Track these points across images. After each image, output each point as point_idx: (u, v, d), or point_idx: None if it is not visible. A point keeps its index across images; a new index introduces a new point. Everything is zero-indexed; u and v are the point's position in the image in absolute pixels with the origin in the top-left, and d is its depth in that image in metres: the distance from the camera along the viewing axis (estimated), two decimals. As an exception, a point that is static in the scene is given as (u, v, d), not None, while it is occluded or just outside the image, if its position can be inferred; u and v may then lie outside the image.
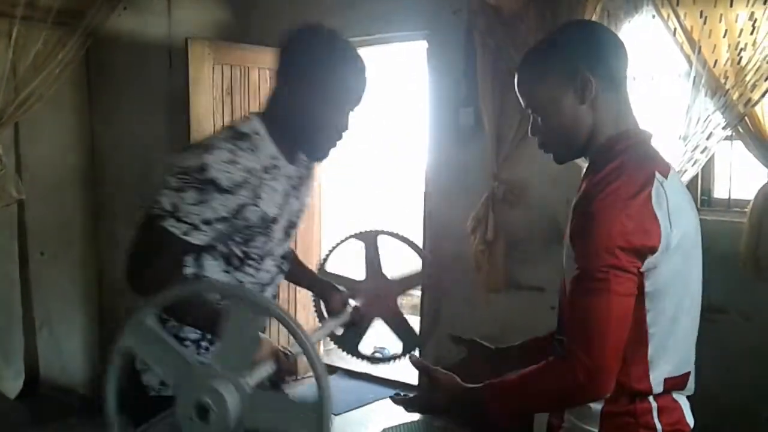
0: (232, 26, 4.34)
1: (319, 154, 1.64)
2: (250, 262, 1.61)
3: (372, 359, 2.17)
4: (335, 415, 3.94)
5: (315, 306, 2.08)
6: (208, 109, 3.89)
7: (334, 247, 2.17)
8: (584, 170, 1.40)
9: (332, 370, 4.57)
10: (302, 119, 1.55)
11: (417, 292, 4.52)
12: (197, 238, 1.46)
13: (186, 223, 1.43)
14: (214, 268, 1.58)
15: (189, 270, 1.57)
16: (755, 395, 2.92)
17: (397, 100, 5.84)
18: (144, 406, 1.56)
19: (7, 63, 3.35)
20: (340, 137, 1.61)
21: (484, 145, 3.58)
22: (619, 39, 1.38)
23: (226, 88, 4.03)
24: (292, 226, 1.72)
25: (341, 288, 1.98)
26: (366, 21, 4.02)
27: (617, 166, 1.26)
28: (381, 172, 6.01)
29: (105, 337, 4.08)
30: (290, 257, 1.84)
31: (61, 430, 3.62)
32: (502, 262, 3.59)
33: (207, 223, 1.45)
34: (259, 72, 4.14)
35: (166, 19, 4.17)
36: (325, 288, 1.98)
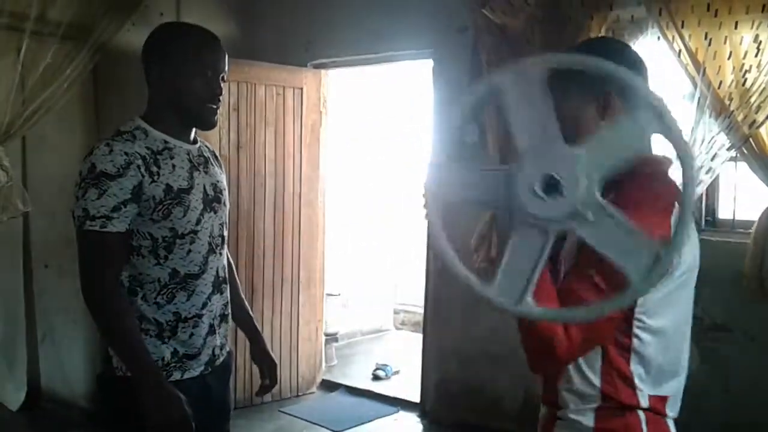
0: (239, 43, 4.37)
1: (204, 121, 1.77)
2: (179, 241, 1.70)
3: None
4: (336, 432, 3.92)
5: None
6: (214, 124, 3.90)
7: None
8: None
9: (334, 386, 4.57)
10: (172, 98, 1.74)
11: (420, 309, 4.51)
12: (116, 226, 1.60)
13: (98, 217, 1.59)
14: (145, 265, 1.69)
15: (126, 274, 1.69)
16: (759, 414, 2.90)
17: (403, 118, 5.86)
18: (113, 386, 1.78)
19: (15, 76, 3.36)
20: (214, 102, 1.75)
21: (488, 162, 3.58)
22: (642, 60, 1.37)
23: (233, 104, 4.06)
24: (213, 200, 1.81)
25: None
26: (372, 40, 4.05)
27: (642, 185, 1.25)
28: (385, 188, 6.01)
29: (106, 350, 4.06)
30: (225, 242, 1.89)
31: (62, 443, 3.60)
32: (505, 280, 3.57)
33: (116, 209, 1.60)
34: (265, 88, 4.17)
35: (174, 35, 4.20)
36: (254, 337, 2.09)
